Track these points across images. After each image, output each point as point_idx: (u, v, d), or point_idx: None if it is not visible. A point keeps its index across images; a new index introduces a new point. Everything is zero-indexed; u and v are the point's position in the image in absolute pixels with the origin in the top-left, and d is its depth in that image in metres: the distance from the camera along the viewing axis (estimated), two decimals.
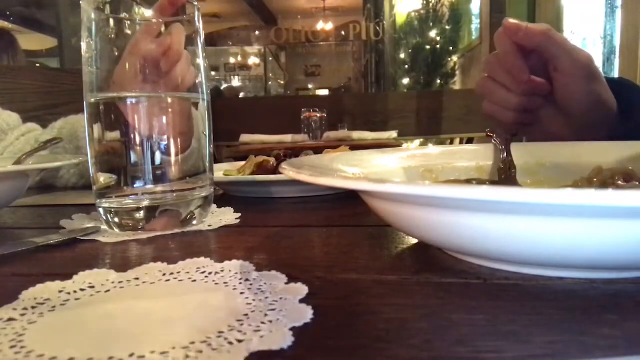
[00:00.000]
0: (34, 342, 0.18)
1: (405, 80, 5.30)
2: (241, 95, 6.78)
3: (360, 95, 4.38)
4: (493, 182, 0.41)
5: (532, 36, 0.46)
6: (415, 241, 0.31)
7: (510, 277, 0.24)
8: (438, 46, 5.20)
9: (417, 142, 2.85)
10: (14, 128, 0.78)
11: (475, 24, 4.37)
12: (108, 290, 0.23)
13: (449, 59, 5.25)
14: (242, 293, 0.22)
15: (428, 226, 0.24)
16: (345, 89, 6.79)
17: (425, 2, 5.18)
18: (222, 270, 0.25)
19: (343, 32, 4.60)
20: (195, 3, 0.39)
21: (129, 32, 0.38)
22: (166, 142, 0.37)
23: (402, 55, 5.30)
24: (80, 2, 0.36)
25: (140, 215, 0.37)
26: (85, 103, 0.37)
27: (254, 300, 0.21)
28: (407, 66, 5.29)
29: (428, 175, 0.42)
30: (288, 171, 0.28)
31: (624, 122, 0.50)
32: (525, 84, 0.48)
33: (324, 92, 6.87)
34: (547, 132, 0.52)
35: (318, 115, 2.37)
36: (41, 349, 0.17)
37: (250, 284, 0.23)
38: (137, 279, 0.25)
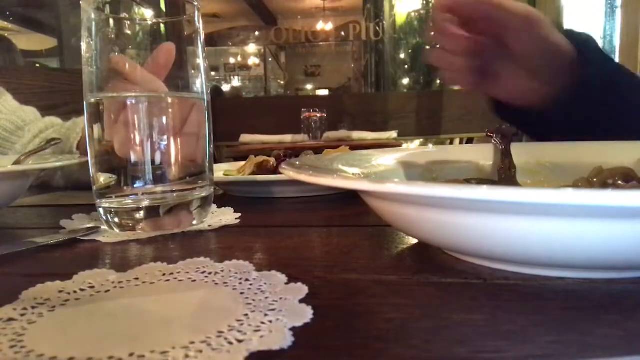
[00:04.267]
0: (34, 342, 0.18)
1: (405, 80, 5.29)
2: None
3: (360, 95, 4.38)
4: (493, 182, 0.41)
5: (467, 9, 0.48)
6: (415, 241, 0.31)
7: (510, 277, 0.24)
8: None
9: (417, 142, 2.85)
10: (31, 123, 0.75)
11: None
12: (108, 290, 0.23)
13: None
14: (242, 293, 0.22)
15: (428, 226, 0.24)
16: (345, 89, 6.79)
17: (425, 2, 5.18)
18: (222, 270, 0.25)
19: (343, 32, 4.59)
20: (195, 3, 0.39)
21: (129, 32, 0.38)
22: (166, 142, 0.37)
23: (402, 55, 5.29)
24: (80, 2, 0.36)
25: (140, 215, 0.37)
26: (85, 103, 0.37)
27: (254, 300, 0.21)
28: (407, 66, 5.29)
29: (428, 175, 0.42)
30: (288, 171, 0.28)
31: (587, 67, 0.51)
32: (462, 41, 0.49)
33: (324, 92, 6.86)
34: (510, 88, 0.53)
35: (318, 115, 2.37)
36: (41, 348, 0.17)
37: (250, 284, 0.23)
38: (137, 279, 0.25)
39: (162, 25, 0.39)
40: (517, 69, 0.52)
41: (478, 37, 0.49)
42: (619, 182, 0.32)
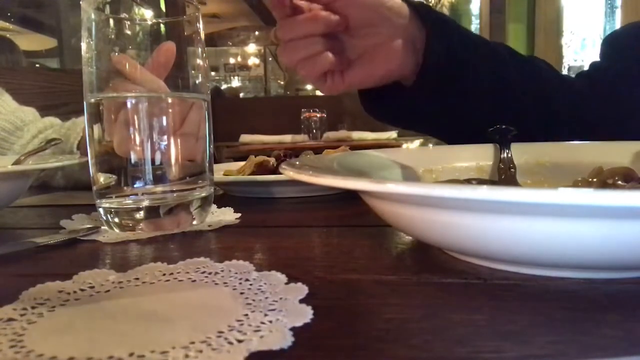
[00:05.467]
0: (34, 342, 0.18)
1: None
2: (241, 95, 6.78)
3: None
4: (493, 182, 0.42)
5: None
6: (415, 241, 0.31)
7: (510, 277, 0.24)
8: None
9: (417, 142, 2.85)
10: (30, 123, 0.75)
11: (475, 24, 4.37)
12: (108, 290, 0.23)
13: None
14: (242, 293, 0.22)
15: (428, 226, 0.24)
16: None
17: (424, 2, 5.18)
18: (222, 270, 0.25)
19: None
20: (195, 3, 0.39)
21: (129, 32, 0.38)
22: (166, 142, 0.37)
23: None
24: (80, 2, 0.36)
25: (140, 215, 0.37)
26: (85, 103, 0.37)
27: (254, 300, 0.21)
28: None
29: (428, 175, 0.42)
30: (288, 171, 0.28)
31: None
32: (309, 21, 0.47)
33: None
34: (368, 67, 0.51)
35: (318, 115, 2.37)
36: (41, 348, 0.17)
37: (250, 284, 0.23)
38: (137, 279, 0.25)
39: (162, 26, 0.39)
40: (365, 46, 0.50)
41: (319, 13, 0.47)
42: (619, 182, 0.32)
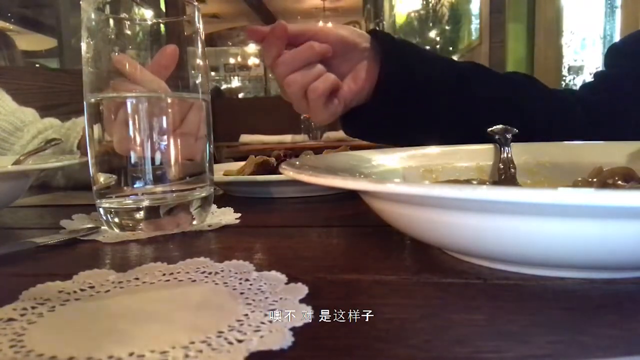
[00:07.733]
0: (34, 342, 0.18)
1: None
2: (241, 95, 6.78)
3: None
4: (493, 182, 0.42)
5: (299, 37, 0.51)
6: (415, 241, 0.31)
7: (510, 277, 0.24)
8: (438, 46, 5.18)
9: None
10: (30, 124, 0.75)
11: (474, 24, 4.37)
12: (108, 290, 0.23)
13: None
14: (242, 293, 0.22)
15: (428, 226, 0.24)
16: None
17: (424, 2, 5.18)
18: (222, 270, 0.25)
19: None
20: (195, 3, 0.39)
21: (129, 32, 0.38)
22: (166, 142, 0.37)
23: None
24: (80, 2, 0.36)
25: (140, 215, 0.37)
26: (85, 103, 0.37)
27: (254, 300, 0.21)
28: None
29: (428, 175, 0.42)
30: (288, 171, 0.28)
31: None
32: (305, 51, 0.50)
33: None
34: (354, 82, 0.54)
35: None
36: (41, 348, 0.17)
37: (250, 284, 0.23)
38: (137, 279, 0.25)
39: (162, 26, 0.39)
40: (342, 72, 0.53)
41: (313, 42, 0.51)
42: (619, 182, 0.32)
